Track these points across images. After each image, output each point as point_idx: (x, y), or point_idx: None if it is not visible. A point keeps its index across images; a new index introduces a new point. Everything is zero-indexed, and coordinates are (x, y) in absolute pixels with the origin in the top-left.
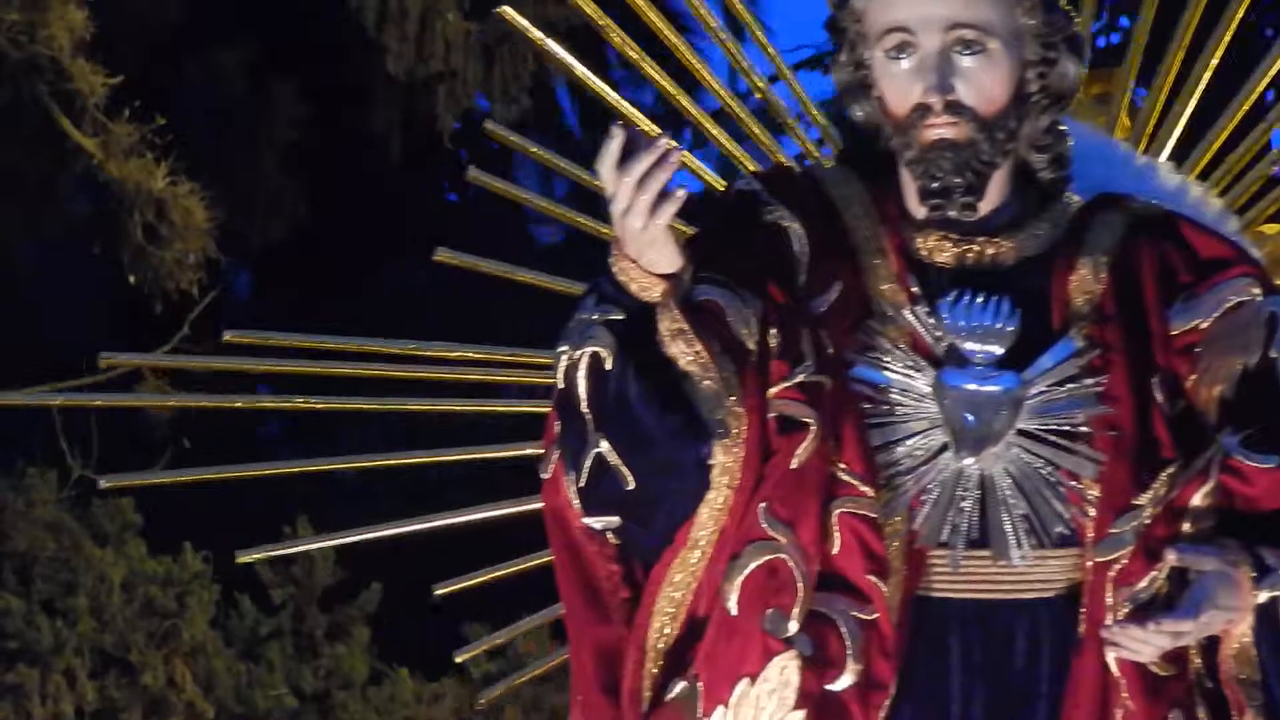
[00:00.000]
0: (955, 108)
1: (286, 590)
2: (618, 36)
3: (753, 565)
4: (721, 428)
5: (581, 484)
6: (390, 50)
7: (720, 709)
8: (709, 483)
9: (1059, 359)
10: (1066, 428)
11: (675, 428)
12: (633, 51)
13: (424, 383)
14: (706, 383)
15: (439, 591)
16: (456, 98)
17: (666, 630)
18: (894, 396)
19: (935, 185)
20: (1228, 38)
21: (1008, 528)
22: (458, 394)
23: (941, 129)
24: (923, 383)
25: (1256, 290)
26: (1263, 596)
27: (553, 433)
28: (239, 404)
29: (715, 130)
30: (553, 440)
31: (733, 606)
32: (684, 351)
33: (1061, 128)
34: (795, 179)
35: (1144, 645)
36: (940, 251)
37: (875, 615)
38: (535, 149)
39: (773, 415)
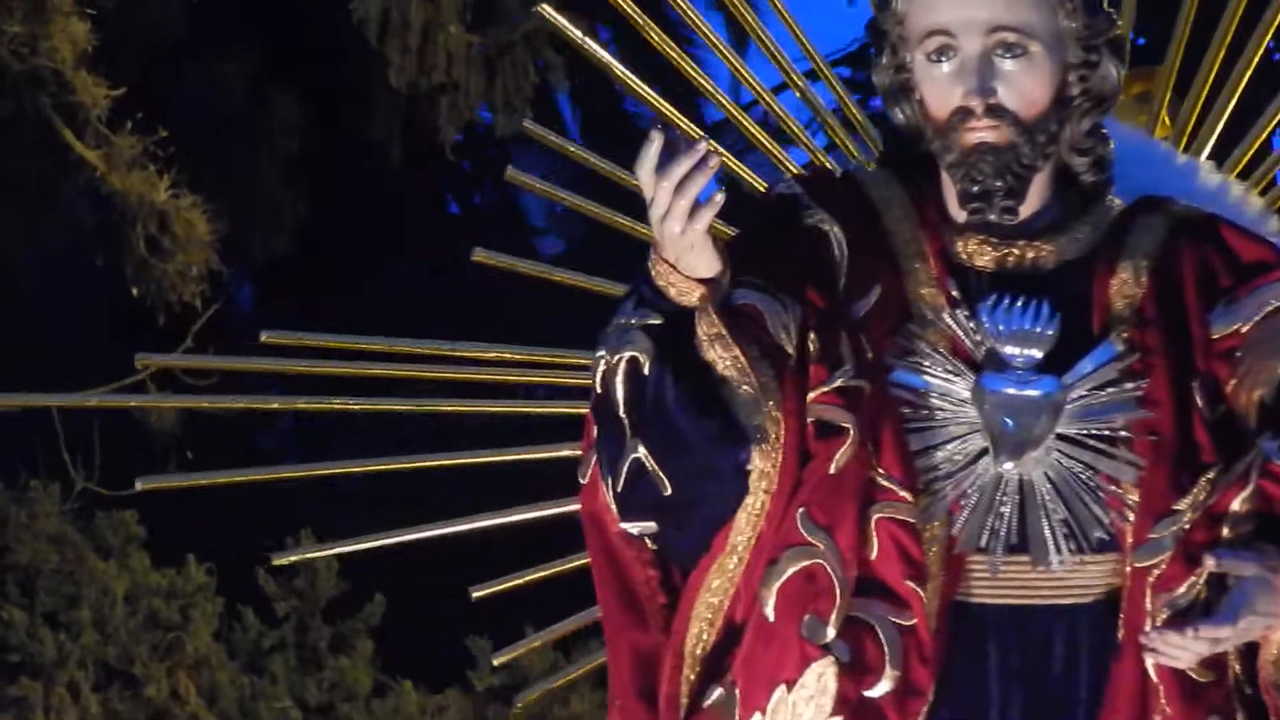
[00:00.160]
0: (996, 111)
1: (290, 603)
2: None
3: (790, 571)
4: (759, 433)
5: (618, 489)
6: (392, 62)
7: (757, 715)
8: (747, 488)
9: (1099, 363)
10: (1106, 432)
11: (713, 433)
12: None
13: (451, 384)
14: (744, 388)
15: (476, 594)
16: (459, 109)
17: (704, 636)
18: (933, 401)
19: (976, 189)
20: (1269, 36)
21: (1047, 533)
22: (486, 395)
23: (982, 132)
24: (962, 387)
25: None
26: None
27: (591, 437)
28: (275, 405)
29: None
30: (591, 445)
31: (770, 612)
32: (721, 356)
33: (1103, 130)
34: (835, 182)
35: (1182, 651)
36: (980, 255)
37: (913, 621)
38: (574, 148)
39: (811, 420)
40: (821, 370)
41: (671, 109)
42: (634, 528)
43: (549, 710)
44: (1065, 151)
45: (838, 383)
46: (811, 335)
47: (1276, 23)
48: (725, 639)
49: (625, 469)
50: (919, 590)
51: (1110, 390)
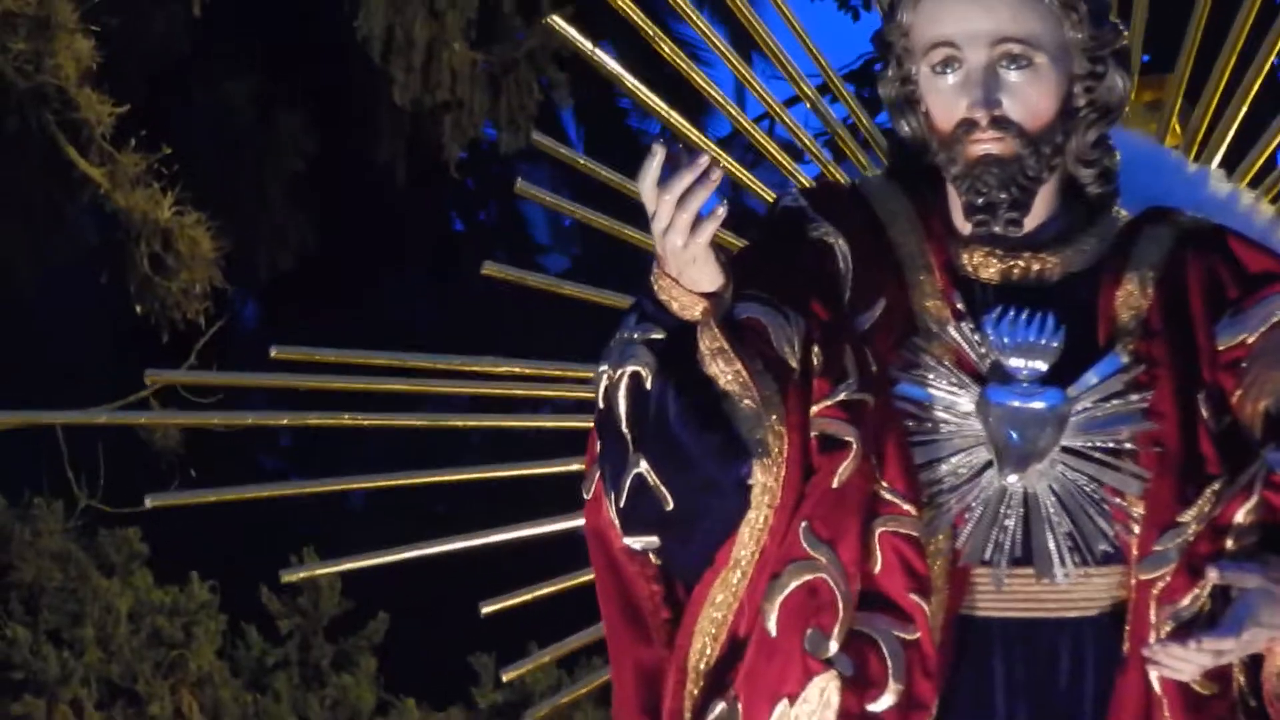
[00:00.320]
0: (1001, 123)
1: (293, 620)
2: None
3: (793, 585)
4: (761, 447)
5: (621, 504)
6: (396, 80)
7: None
8: (749, 502)
9: (1104, 375)
10: (1111, 444)
11: (715, 447)
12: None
13: (457, 399)
14: (746, 402)
15: (486, 610)
16: (463, 127)
17: (707, 651)
18: (938, 414)
19: (981, 201)
20: None
21: (1051, 546)
22: (498, 409)
23: (987, 144)
24: (967, 400)
25: None
26: None
27: (594, 452)
28: (285, 421)
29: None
30: (594, 460)
31: (773, 626)
32: (723, 370)
33: (1109, 142)
34: (840, 194)
35: (1185, 663)
36: (985, 267)
37: (917, 635)
38: (583, 161)
39: (814, 434)
40: (825, 384)
41: (681, 120)
42: (637, 543)
43: None
44: (1071, 163)
45: (841, 396)
46: (815, 348)
47: None
48: (728, 653)
49: (628, 484)
50: (923, 604)
51: (1115, 402)
